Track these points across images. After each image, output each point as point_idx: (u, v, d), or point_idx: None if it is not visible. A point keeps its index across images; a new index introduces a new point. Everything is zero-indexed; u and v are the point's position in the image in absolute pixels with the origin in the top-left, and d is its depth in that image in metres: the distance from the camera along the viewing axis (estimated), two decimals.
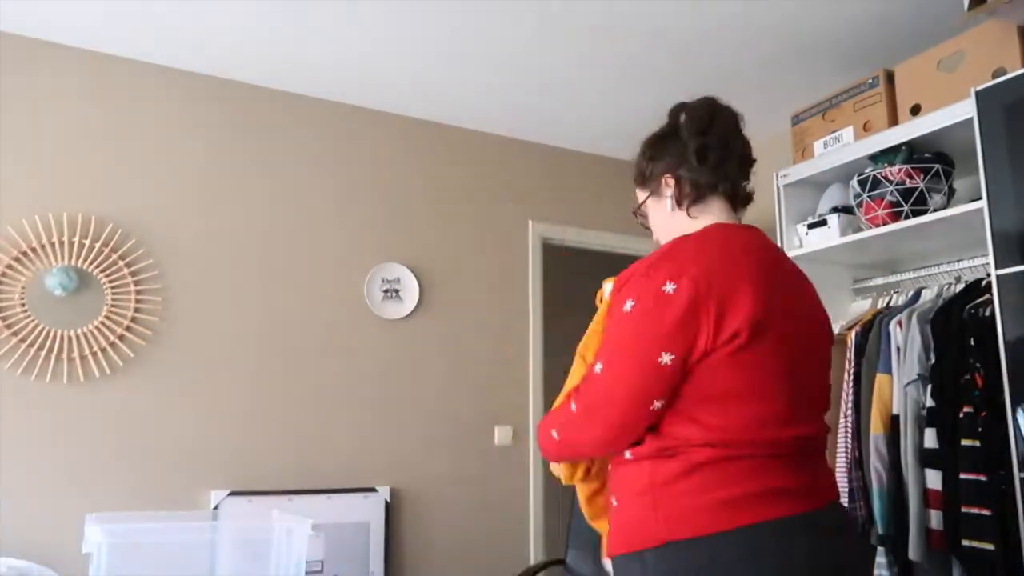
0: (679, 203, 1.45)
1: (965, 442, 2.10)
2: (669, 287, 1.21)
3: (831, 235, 2.57)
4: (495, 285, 3.43)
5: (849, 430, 2.47)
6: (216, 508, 2.68)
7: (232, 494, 2.70)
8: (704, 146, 1.47)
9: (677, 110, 1.57)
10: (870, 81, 2.52)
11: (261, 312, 2.91)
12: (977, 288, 2.29)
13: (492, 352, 3.37)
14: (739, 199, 1.52)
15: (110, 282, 2.66)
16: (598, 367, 1.27)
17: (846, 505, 2.42)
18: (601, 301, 1.43)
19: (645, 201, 1.52)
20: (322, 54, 2.79)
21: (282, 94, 3.07)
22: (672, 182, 1.46)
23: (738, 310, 1.20)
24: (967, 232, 2.31)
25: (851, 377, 2.50)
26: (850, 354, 2.53)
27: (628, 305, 1.25)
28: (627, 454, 1.29)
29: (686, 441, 1.23)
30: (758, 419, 1.21)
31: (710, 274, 1.22)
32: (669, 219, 1.47)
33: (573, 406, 1.30)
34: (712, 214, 1.46)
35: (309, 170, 3.09)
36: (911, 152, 2.39)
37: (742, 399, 1.21)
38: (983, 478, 2.04)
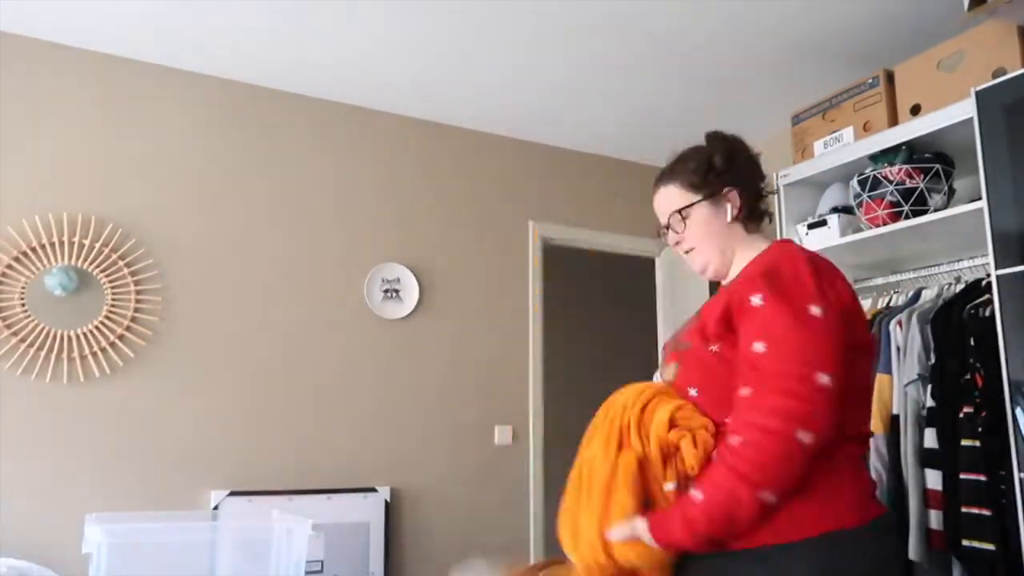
0: (739, 218, 1.49)
1: (965, 442, 2.10)
2: (831, 294, 1.28)
3: (831, 235, 2.57)
4: (495, 285, 3.43)
5: None
6: (216, 508, 2.68)
7: (232, 494, 2.70)
8: (764, 181, 1.56)
9: (734, 140, 1.56)
10: (870, 81, 2.52)
11: (261, 312, 2.91)
12: (977, 288, 2.29)
13: (492, 352, 3.37)
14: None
15: (110, 282, 2.66)
16: (824, 378, 1.20)
17: None
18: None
19: (695, 204, 1.48)
20: (322, 54, 2.79)
21: (282, 94, 3.07)
22: (738, 197, 1.48)
23: (860, 319, 1.35)
24: (967, 232, 2.31)
25: None
26: None
27: (817, 311, 1.24)
28: None
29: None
30: (863, 418, 1.37)
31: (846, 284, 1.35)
32: (724, 230, 1.48)
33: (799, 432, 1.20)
34: (763, 235, 1.53)
35: (309, 170, 3.09)
36: (911, 152, 2.39)
37: (858, 400, 1.34)
38: (983, 478, 2.04)
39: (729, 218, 1.46)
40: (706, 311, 1.38)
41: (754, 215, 1.49)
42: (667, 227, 1.52)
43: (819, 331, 1.22)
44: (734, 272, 1.47)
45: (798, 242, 2.69)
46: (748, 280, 1.32)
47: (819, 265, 1.32)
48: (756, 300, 1.27)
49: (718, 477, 1.20)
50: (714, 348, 1.33)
